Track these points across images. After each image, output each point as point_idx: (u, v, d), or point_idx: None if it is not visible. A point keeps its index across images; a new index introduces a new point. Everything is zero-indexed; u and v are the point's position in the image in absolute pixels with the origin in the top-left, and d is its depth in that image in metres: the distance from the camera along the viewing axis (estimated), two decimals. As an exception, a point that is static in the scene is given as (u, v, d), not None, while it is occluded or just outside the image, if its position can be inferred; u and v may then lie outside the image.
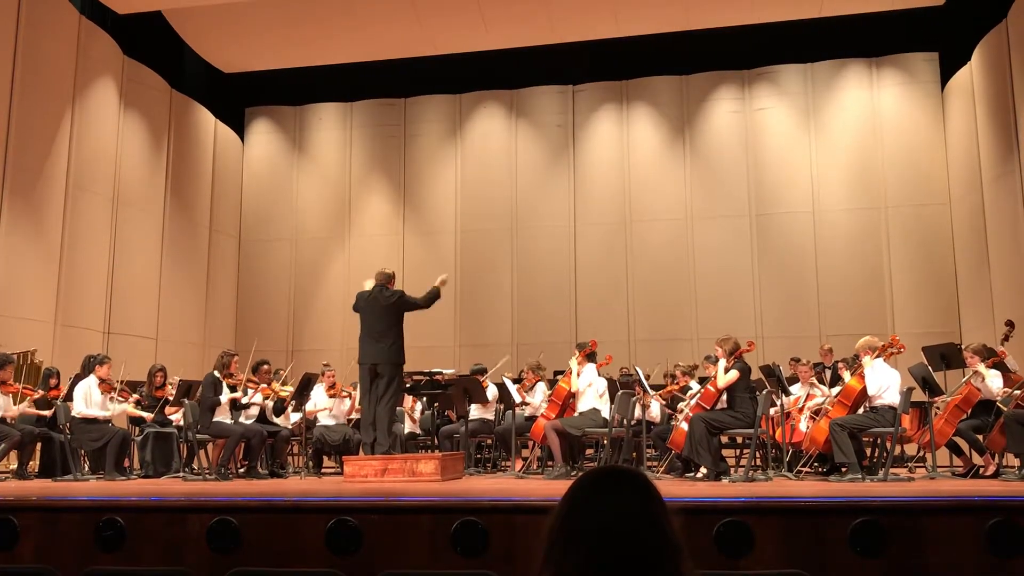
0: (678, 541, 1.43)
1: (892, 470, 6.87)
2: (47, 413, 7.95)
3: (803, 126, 12.98)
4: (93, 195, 10.98)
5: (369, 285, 7.46)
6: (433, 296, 7.41)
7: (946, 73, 12.38)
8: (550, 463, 7.80)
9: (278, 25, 12.29)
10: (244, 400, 8.02)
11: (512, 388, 8.41)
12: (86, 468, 7.94)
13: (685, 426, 6.95)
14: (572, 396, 7.67)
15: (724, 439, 7.56)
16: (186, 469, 7.98)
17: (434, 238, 13.80)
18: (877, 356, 6.68)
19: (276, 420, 8.57)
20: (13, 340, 8.99)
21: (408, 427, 9.21)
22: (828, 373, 9.15)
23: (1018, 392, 6.78)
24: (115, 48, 11.53)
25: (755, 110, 13.12)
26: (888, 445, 7.08)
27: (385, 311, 7.25)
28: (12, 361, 8.04)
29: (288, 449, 8.97)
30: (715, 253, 12.87)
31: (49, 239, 10.21)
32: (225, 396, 7.84)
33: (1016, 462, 7.04)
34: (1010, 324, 7.90)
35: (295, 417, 8.77)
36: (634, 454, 7.72)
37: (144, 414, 8.32)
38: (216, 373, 7.91)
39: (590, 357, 7.69)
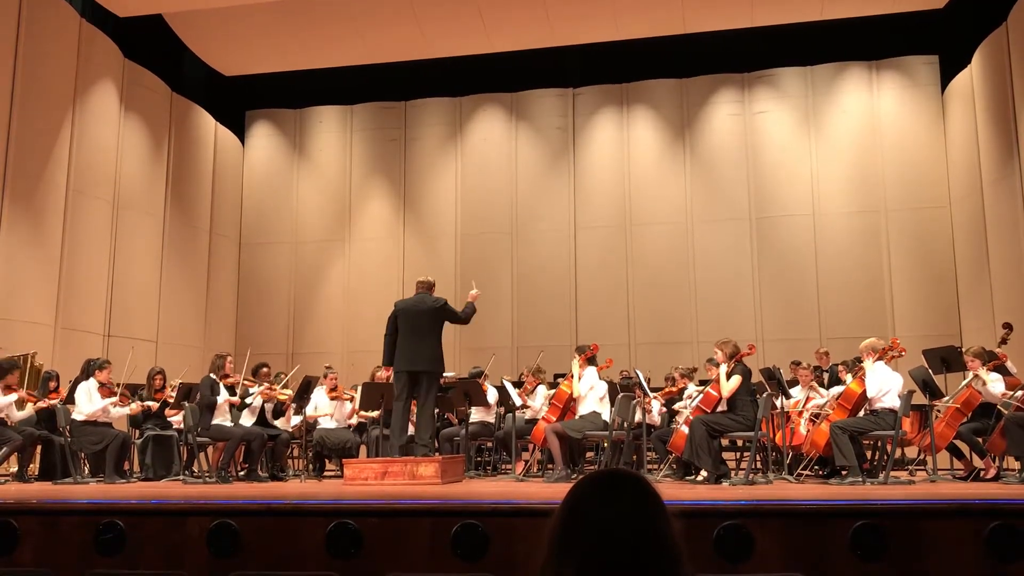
0: (678, 544, 1.43)
1: (893, 473, 6.87)
2: (49, 403, 7.92)
3: (803, 129, 12.98)
4: (93, 198, 10.98)
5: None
6: (471, 312, 7.37)
7: (946, 76, 12.39)
8: (550, 466, 7.80)
9: (278, 28, 12.30)
10: (248, 400, 8.04)
11: (512, 391, 8.41)
12: (86, 471, 7.93)
13: (685, 429, 6.95)
14: (573, 399, 7.67)
15: (724, 442, 7.56)
16: (186, 472, 7.98)
17: (434, 241, 13.80)
18: (877, 359, 6.69)
19: (276, 423, 8.57)
20: (14, 343, 8.99)
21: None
22: (826, 376, 9.15)
23: (1019, 394, 6.78)
24: (116, 51, 11.53)
25: (755, 113, 13.13)
26: (889, 448, 7.08)
27: (428, 316, 7.17)
28: (19, 366, 8.02)
29: (288, 452, 8.97)
30: (715, 256, 12.87)
31: (50, 242, 10.21)
32: (223, 397, 7.86)
33: (1017, 465, 7.03)
34: (1008, 327, 7.90)
35: (296, 420, 8.77)
36: (634, 457, 7.73)
37: (148, 403, 8.32)
38: (212, 375, 7.93)
39: (591, 360, 7.69)
